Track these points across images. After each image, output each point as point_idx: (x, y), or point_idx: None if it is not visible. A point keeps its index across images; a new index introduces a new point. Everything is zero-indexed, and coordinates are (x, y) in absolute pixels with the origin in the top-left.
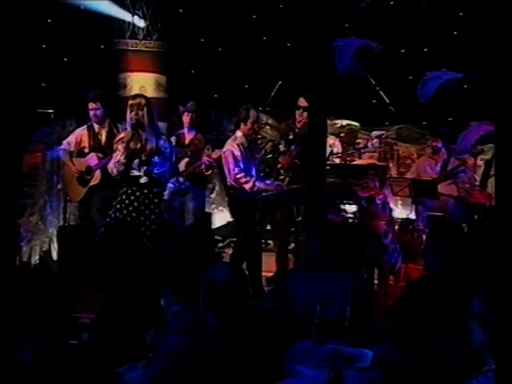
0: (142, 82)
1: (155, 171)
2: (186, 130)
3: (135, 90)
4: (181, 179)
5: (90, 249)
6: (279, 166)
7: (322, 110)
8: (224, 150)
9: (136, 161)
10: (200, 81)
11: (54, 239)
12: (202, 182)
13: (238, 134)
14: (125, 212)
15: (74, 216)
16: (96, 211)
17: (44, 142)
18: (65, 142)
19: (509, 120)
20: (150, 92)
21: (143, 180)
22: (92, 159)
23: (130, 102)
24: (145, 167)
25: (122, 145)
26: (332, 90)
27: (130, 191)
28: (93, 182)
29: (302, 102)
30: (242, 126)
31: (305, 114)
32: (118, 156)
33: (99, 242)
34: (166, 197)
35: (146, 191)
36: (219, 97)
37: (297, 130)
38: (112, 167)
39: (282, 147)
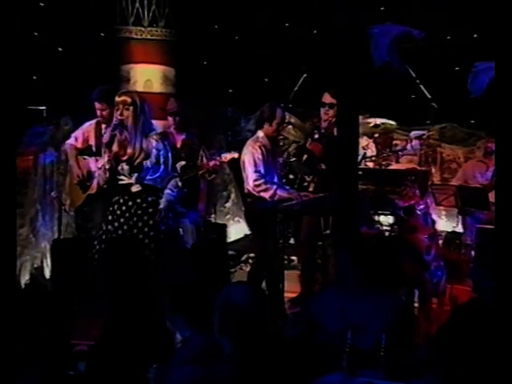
0: (147, 75)
1: (148, 177)
2: (173, 131)
3: (140, 85)
4: (180, 183)
5: (89, 266)
6: (305, 157)
7: (353, 106)
8: (243, 152)
9: (126, 167)
10: (213, 74)
11: (48, 254)
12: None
13: (260, 134)
14: (116, 224)
15: (71, 228)
16: (96, 222)
17: (35, 143)
18: (72, 135)
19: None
20: (157, 86)
21: (135, 188)
22: (93, 163)
23: (116, 99)
24: (135, 174)
25: (103, 150)
26: (365, 83)
27: (121, 201)
28: (91, 191)
29: (328, 97)
30: (266, 126)
31: (331, 111)
32: (101, 162)
33: (96, 260)
34: (162, 206)
35: (138, 200)
36: (235, 92)
37: (323, 130)
38: (98, 176)
39: (308, 144)
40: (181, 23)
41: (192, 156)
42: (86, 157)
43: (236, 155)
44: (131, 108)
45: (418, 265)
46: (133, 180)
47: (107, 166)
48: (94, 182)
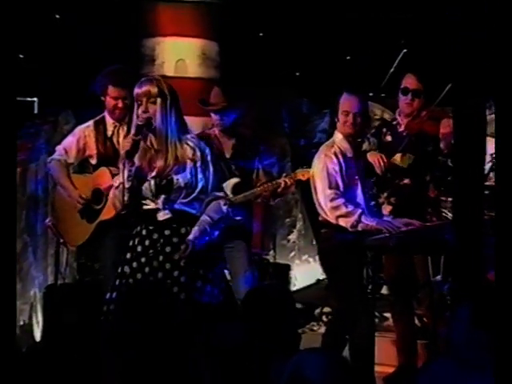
0: (179, 53)
1: (181, 200)
2: (218, 133)
3: (169, 67)
4: (224, 207)
5: (96, 324)
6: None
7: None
8: (314, 162)
9: (149, 185)
10: (273, 50)
11: (39, 306)
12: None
13: (338, 137)
14: (135, 265)
15: (71, 269)
16: (109, 263)
17: (25, 148)
18: (59, 147)
19: None
20: (193, 69)
21: (163, 215)
22: (102, 177)
23: (136, 90)
24: (163, 195)
25: (122, 161)
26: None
27: (144, 232)
28: (104, 216)
29: (412, 81)
30: (337, 122)
31: (417, 101)
32: (118, 179)
33: (107, 316)
34: (192, 236)
35: (167, 232)
36: (304, 76)
37: (401, 129)
38: (112, 197)
39: (365, 146)
40: None
41: (247, 169)
42: (86, 174)
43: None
44: (159, 101)
45: None
46: (160, 204)
47: (127, 185)
48: (108, 205)
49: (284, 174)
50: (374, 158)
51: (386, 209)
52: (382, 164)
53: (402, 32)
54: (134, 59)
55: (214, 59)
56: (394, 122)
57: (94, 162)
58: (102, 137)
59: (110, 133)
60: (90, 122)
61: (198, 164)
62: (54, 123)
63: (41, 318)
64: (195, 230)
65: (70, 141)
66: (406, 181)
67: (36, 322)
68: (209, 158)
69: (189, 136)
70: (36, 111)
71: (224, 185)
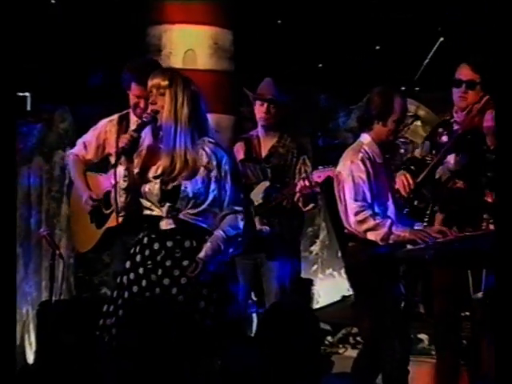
0: (188, 42)
1: (189, 209)
2: (260, 131)
3: (177, 57)
4: (241, 221)
5: (95, 344)
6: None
7: None
8: (338, 167)
9: (155, 189)
10: (293, 39)
11: (31, 325)
12: (295, 226)
13: (366, 139)
14: (132, 276)
15: (68, 284)
16: (111, 273)
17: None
18: (79, 141)
19: None
20: (203, 60)
21: (166, 224)
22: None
23: (149, 82)
24: (169, 204)
25: (120, 157)
26: None
27: (145, 241)
28: (111, 223)
29: (466, 71)
30: (377, 125)
31: (470, 93)
32: (113, 180)
33: (107, 336)
34: (203, 254)
35: (169, 244)
36: (328, 69)
37: (456, 127)
38: (112, 200)
39: (417, 153)
40: None
41: (282, 172)
42: (102, 174)
43: (332, 172)
44: (167, 93)
45: None
46: (163, 211)
47: (123, 186)
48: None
49: (302, 176)
50: (399, 180)
51: (438, 217)
52: (406, 185)
53: (439, 17)
54: (140, 49)
55: (227, 49)
56: (452, 120)
57: (113, 160)
58: (123, 133)
59: (131, 128)
60: (115, 116)
61: (213, 174)
62: (49, 121)
63: (34, 338)
64: (207, 247)
65: (90, 135)
66: (460, 184)
67: (28, 343)
68: (227, 167)
69: (207, 140)
70: (28, 108)
71: (254, 191)
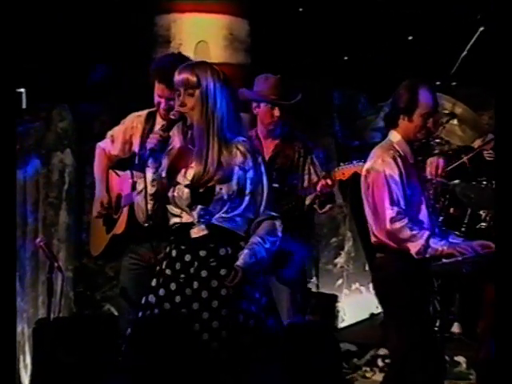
0: (200, 33)
1: (221, 215)
2: (262, 131)
3: (187, 49)
4: (280, 230)
5: (104, 368)
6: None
7: None
8: (366, 168)
9: (185, 193)
10: (315, 29)
11: (27, 346)
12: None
13: (395, 137)
14: (161, 293)
15: (67, 299)
16: (120, 291)
17: None
18: (109, 133)
19: None
20: (217, 52)
21: (198, 231)
22: (126, 181)
23: (175, 77)
24: (200, 207)
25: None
26: None
27: (174, 253)
28: (117, 229)
29: None
30: (402, 121)
31: None
32: (141, 182)
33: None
34: (240, 263)
35: (203, 253)
36: (354, 61)
37: None
38: (136, 206)
39: (476, 143)
40: None
41: (290, 173)
42: (119, 172)
43: (359, 168)
44: (197, 93)
45: None
46: (195, 217)
47: (151, 191)
48: (122, 217)
49: (322, 173)
50: (432, 162)
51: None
52: (436, 168)
53: (479, 4)
54: (148, 40)
55: (243, 40)
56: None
57: (136, 161)
58: (149, 132)
59: (157, 127)
60: (144, 112)
61: (249, 174)
62: (47, 120)
63: (29, 360)
64: (245, 253)
65: (118, 128)
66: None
67: (24, 365)
68: (263, 168)
69: (241, 139)
70: (24, 105)
71: None
